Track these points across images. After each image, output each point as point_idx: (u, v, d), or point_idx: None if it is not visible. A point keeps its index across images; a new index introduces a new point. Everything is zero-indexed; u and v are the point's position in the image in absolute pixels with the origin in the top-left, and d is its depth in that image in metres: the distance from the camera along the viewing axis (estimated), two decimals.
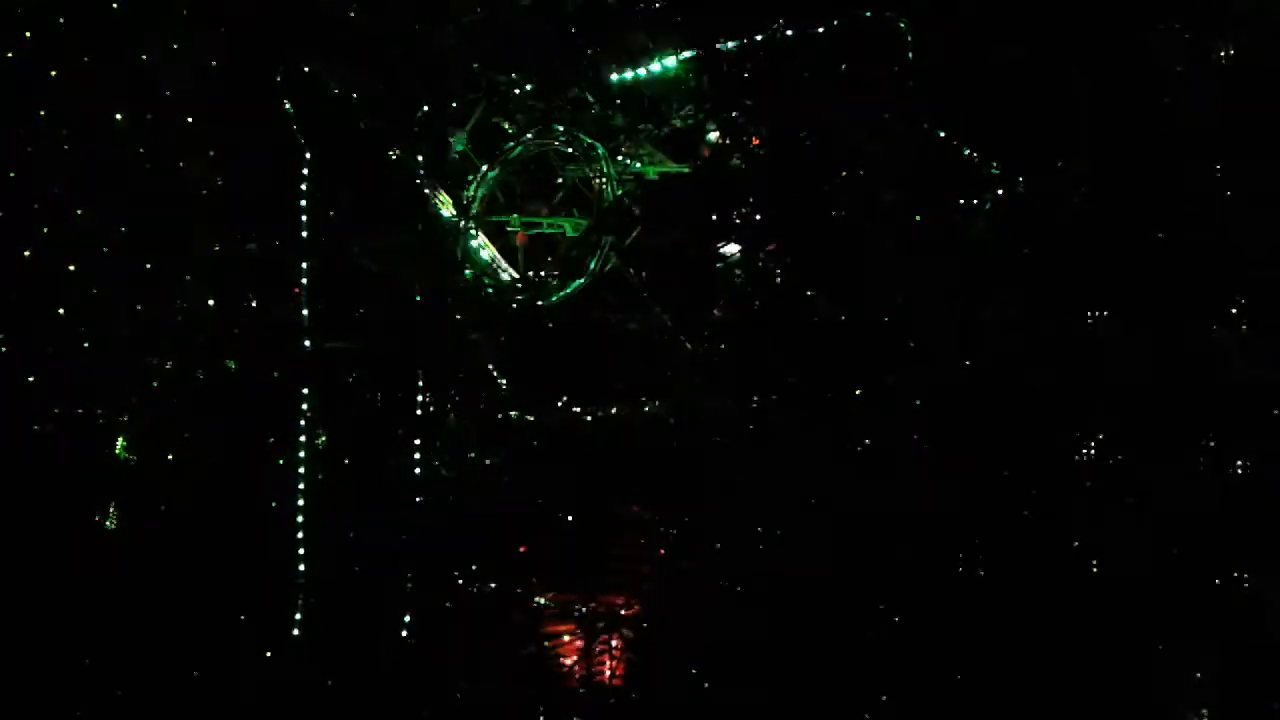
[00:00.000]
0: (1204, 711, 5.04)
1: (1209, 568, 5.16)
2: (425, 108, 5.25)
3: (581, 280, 5.18)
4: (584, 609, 5.25)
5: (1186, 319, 5.20)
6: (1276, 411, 5.15)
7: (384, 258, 5.19)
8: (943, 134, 5.30)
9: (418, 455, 5.18)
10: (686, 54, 5.26)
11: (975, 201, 5.28)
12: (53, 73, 4.86)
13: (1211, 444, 5.17)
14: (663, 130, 5.32)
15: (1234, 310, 5.24)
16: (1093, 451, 5.25)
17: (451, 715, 5.07)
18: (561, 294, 5.20)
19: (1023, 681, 5.07)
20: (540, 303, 5.22)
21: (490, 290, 5.25)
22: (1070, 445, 5.25)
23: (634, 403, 5.32)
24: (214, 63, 5.00)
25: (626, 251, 5.23)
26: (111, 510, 4.95)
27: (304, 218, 5.06)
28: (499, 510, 5.23)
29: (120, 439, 4.96)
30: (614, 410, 5.30)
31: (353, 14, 5.13)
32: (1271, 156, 5.19)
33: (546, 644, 5.26)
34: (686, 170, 5.33)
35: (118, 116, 4.91)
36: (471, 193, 5.24)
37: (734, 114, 5.32)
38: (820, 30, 5.25)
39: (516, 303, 5.24)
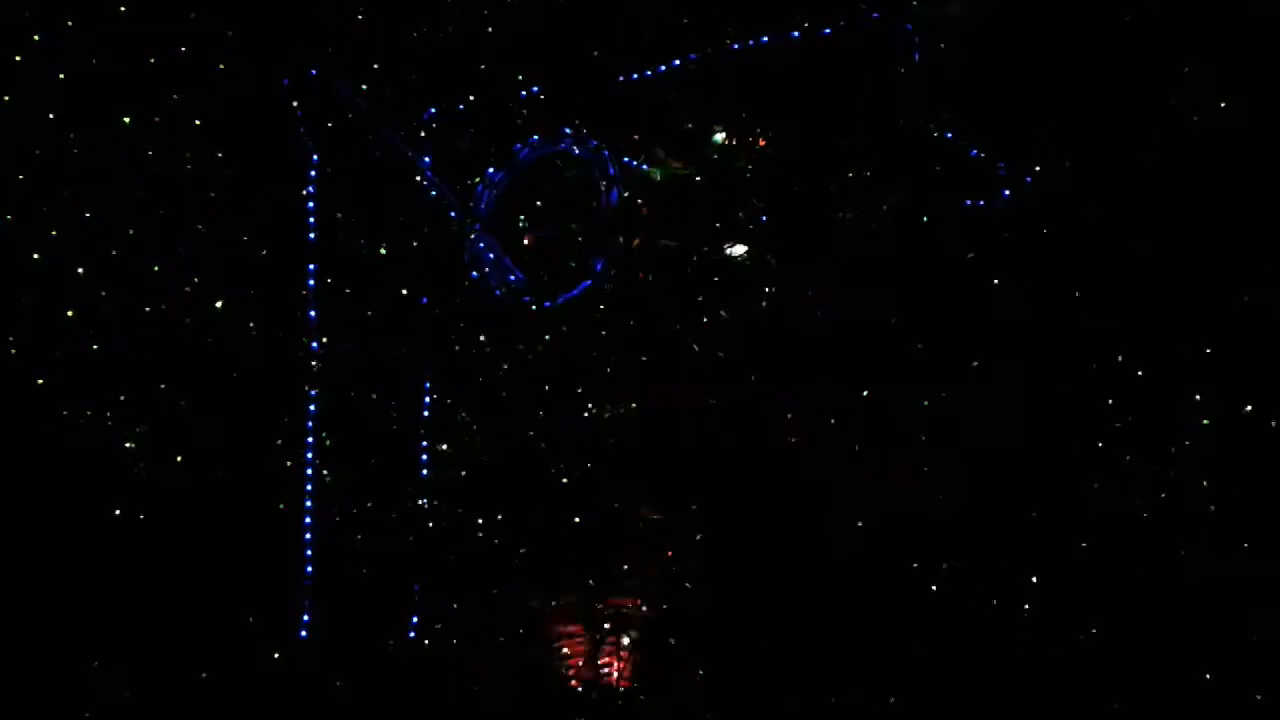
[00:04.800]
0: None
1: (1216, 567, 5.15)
2: (433, 109, 5.27)
3: (588, 282, 5.21)
4: (590, 609, 5.26)
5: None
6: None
7: (391, 259, 5.21)
8: (950, 134, 5.31)
9: (425, 456, 5.20)
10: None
11: (982, 202, 5.29)
12: (60, 74, 4.88)
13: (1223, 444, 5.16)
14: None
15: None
16: (1102, 451, 5.23)
17: (458, 716, 5.08)
18: (568, 295, 5.23)
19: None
20: (547, 304, 5.24)
21: (497, 292, 5.26)
22: (1078, 446, 5.24)
23: (639, 403, 5.33)
24: (221, 64, 5.02)
25: (634, 253, 5.26)
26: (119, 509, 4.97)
27: (311, 219, 5.09)
28: (505, 511, 5.24)
29: (128, 440, 4.97)
30: (620, 410, 5.31)
31: (360, 16, 5.16)
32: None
33: (553, 644, 5.27)
34: (693, 172, 5.34)
35: (125, 119, 4.94)
36: (478, 194, 5.27)
37: (741, 115, 5.33)
38: (827, 31, 5.26)
39: (523, 304, 5.25)
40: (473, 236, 5.23)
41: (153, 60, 4.95)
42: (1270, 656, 4.97)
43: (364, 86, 5.16)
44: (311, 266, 5.09)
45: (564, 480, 5.27)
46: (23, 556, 4.83)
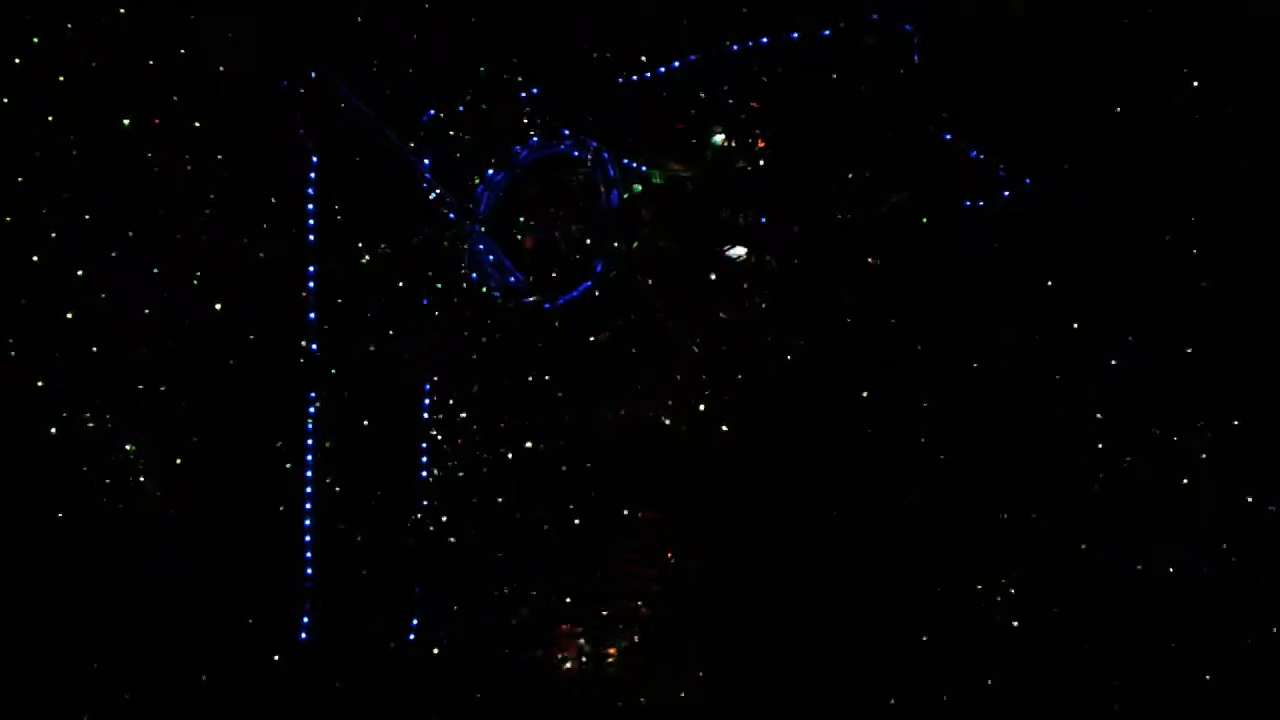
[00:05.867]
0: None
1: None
2: (432, 111, 5.28)
3: (588, 284, 5.21)
4: (590, 609, 5.26)
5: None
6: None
7: (391, 262, 5.22)
8: (949, 136, 5.31)
9: (425, 459, 5.20)
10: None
11: (982, 204, 5.29)
12: (60, 77, 4.88)
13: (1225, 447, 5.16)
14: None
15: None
16: (1101, 454, 5.23)
17: (457, 717, 5.09)
18: (567, 297, 5.23)
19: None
20: (546, 306, 5.25)
21: (497, 294, 5.27)
22: (1078, 448, 5.24)
23: (641, 405, 5.33)
24: (221, 65, 5.01)
25: (633, 255, 5.26)
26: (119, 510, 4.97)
27: (311, 222, 5.10)
28: (506, 512, 5.25)
29: (128, 442, 4.97)
30: (620, 412, 5.32)
31: (359, 17, 5.17)
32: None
33: (553, 645, 5.28)
34: (692, 174, 5.34)
35: (125, 121, 4.94)
36: (477, 196, 5.27)
37: (741, 116, 5.33)
38: (826, 33, 5.26)
39: (522, 306, 5.26)
40: (472, 238, 5.24)
41: (152, 61, 4.95)
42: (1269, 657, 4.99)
43: (371, 72, 5.16)
44: (311, 268, 5.10)
45: (565, 481, 5.27)
46: (22, 558, 4.85)
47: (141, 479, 4.98)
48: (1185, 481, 5.14)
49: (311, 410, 5.11)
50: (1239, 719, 5.02)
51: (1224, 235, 5.18)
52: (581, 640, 5.28)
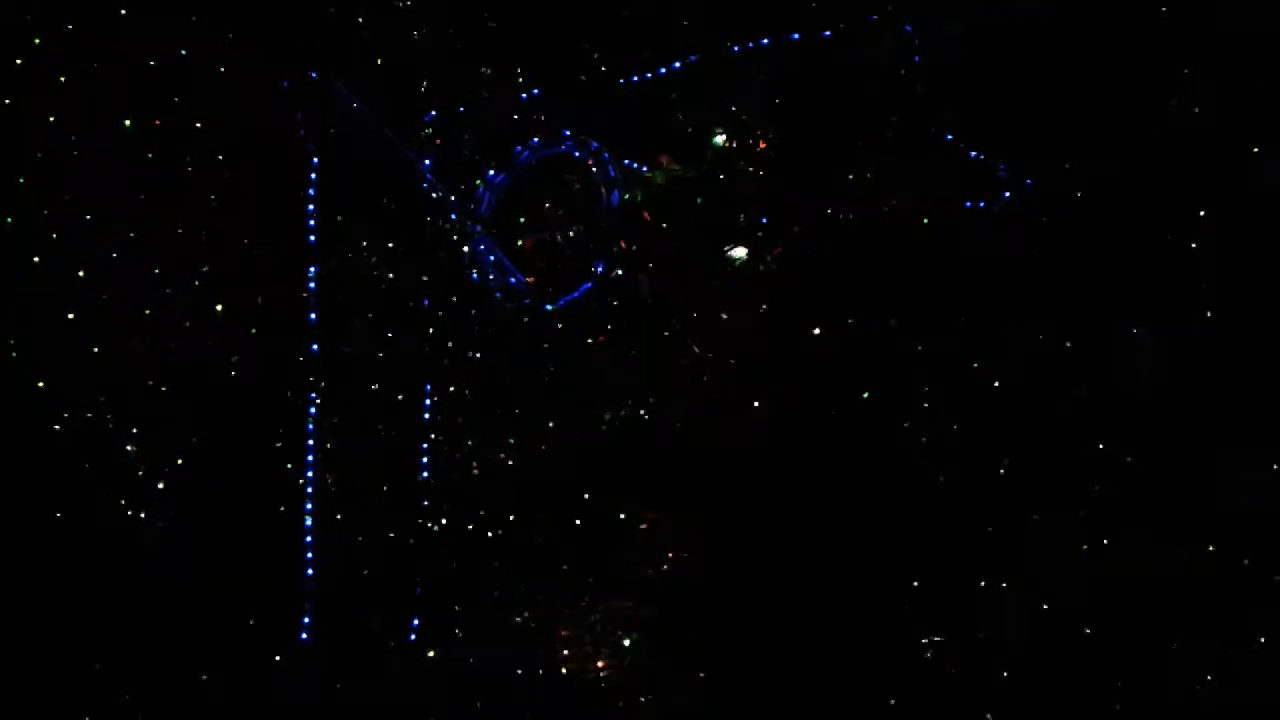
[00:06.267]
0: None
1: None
2: (433, 112, 5.29)
3: (589, 285, 5.22)
4: (594, 612, 5.27)
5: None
6: None
7: (391, 262, 5.22)
8: (950, 136, 5.32)
9: (425, 459, 5.21)
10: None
11: (983, 205, 5.30)
12: (61, 78, 4.88)
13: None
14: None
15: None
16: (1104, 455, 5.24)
17: (458, 718, 5.10)
18: (569, 298, 5.24)
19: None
20: (548, 307, 5.25)
21: (497, 294, 5.27)
22: (1080, 449, 5.25)
23: (641, 405, 5.34)
24: (221, 68, 5.02)
25: (633, 256, 5.27)
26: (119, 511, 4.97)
27: (311, 222, 5.10)
28: (507, 514, 5.25)
29: (129, 443, 4.97)
30: (622, 413, 5.32)
31: (360, 18, 5.17)
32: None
33: (554, 646, 5.28)
34: (692, 175, 5.35)
35: (126, 122, 4.95)
36: (479, 196, 5.28)
37: (742, 117, 5.34)
38: (827, 34, 5.27)
39: (523, 307, 5.26)
40: (473, 239, 5.24)
41: (153, 63, 4.95)
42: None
43: (372, 72, 5.17)
44: (312, 269, 5.10)
45: (565, 481, 5.28)
46: (23, 558, 4.84)
47: (141, 480, 4.98)
48: (1187, 481, 5.15)
49: (311, 410, 5.11)
50: (1239, 719, 5.03)
51: (1224, 235, 5.19)
52: (582, 641, 5.28)
